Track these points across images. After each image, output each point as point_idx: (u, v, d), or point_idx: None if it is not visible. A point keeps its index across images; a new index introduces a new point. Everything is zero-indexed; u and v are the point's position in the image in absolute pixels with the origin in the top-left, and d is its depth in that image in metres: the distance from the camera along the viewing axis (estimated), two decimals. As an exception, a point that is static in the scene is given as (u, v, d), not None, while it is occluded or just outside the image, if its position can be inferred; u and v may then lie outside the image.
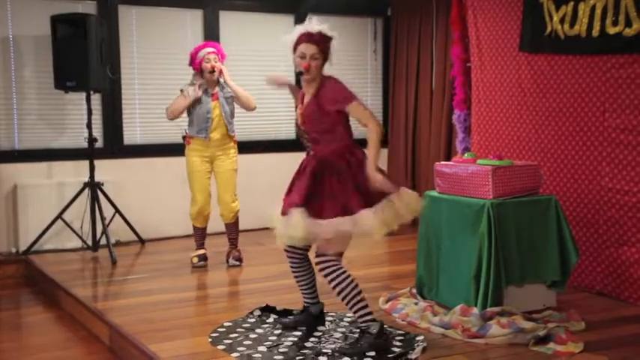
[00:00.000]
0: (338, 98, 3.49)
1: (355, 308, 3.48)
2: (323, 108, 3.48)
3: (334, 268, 3.45)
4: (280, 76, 3.92)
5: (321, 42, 3.51)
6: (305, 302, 3.86)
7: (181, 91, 5.26)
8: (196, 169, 5.28)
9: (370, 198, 3.42)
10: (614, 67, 4.33)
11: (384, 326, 3.56)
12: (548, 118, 4.77)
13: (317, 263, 3.49)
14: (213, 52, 5.20)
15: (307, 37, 3.52)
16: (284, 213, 3.50)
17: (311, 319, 3.84)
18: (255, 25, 6.81)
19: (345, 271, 3.47)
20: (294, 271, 3.77)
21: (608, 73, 4.37)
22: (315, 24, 3.57)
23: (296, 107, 3.68)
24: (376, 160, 3.44)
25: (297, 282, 3.81)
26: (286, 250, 3.71)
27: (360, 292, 3.49)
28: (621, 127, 4.33)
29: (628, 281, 4.31)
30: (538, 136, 4.85)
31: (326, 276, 3.48)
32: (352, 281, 3.48)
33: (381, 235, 3.39)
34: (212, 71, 5.16)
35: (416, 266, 4.37)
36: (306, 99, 3.58)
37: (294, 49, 3.56)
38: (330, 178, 3.46)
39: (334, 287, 3.47)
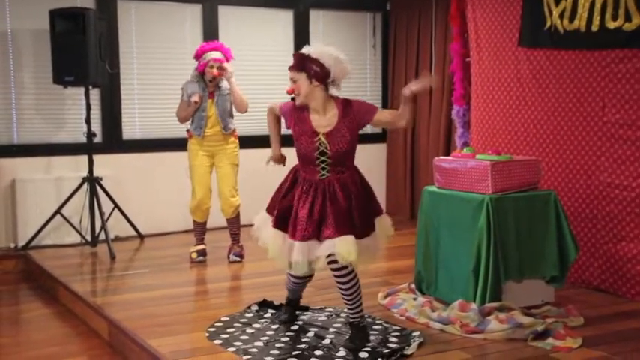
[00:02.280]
0: (367, 111, 3.54)
1: (356, 304, 3.53)
2: (353, 130, 3.50)
3: (352, 273, 3.48)
4: (278, 156, 3.84)
5: (295, 63, 3.52)
6: (292, 300, 3.96)
7: (182, 89, 5.27)
8: (197, 163, 5.28)
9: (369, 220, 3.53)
10: (613, 62, 4.33)
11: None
12: (547, 113, 4.76)
13: (331, 262, 3.43)
14: (219, 60, 5.16)
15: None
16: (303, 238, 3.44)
17: (294, 312, 3.94)
18: (254, 20, 6.79)
19: (356, 273, 3.52)
20: (298, 282, 3.82)
21: (608, 68, 4.36)
22: (310, 46, 3.60)
23: (300, 135, 3.53)
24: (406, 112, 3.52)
25: (297, 286, 3.87)
26: (291, 277, 3.77)
27: (361, 290, 3.56)
28: (620, 123, 4.32)
29: (626, 276, 4.32)
30: (537, 131, 4.84)
31: (341, 277, 3.46)
32: (359, 281, 3.54)
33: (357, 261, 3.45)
34: (213, 79, 5.16)
35: (415, 261, 4.37)
36: (319, 124, 3.51)
37: None
38: (345, 200, 3.46)
39: (345, 285, 3.48)
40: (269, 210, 3.64)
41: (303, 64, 3.49)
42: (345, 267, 3.44)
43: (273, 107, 3.78)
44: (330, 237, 3.37)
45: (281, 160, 3.81)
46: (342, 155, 3.50)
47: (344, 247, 3.34)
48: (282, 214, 3.54)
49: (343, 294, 3.52)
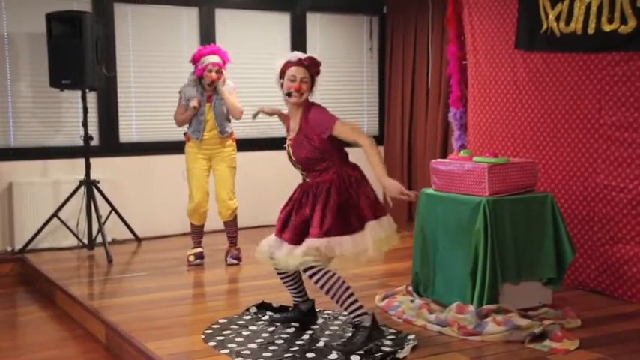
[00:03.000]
0: (322, 125, 3.54)
1: (346, 304, 3.50)
2: (312, 138, 3.54)
3: (316, 269, 3.48)
4: (270, 106, 3.98)
5: (311, 66, 3.62)
6: (294, 301, 3.92)
7: (180, 93, 5.28)
8: (194, 166, 5.29)
9: (356, 220, 3.54)
10: (609, 65, 4.34)
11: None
12: (544, 116, 4.78)
13: (304, 270, 3.53)
14: (217, 64, 5.17)
15: (297, 61, 3.62)
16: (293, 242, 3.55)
17: (301, 315, 3.89)
18: (250, 23, 6.80)
19: (328, 271, 3.49)
20: (282, 279, 3.84)
21: (604, 71, 4.38)
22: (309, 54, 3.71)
23: (287, 136, 3.72)
24: (383, 170, 3.46)
25: (285, 284, 3.87)
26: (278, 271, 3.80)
27: (348, 288, 3.51)
28: (617, 125, 4.34)
29: (622, 278, 4.33)
30: (534, 134, 4.85)
31: (310, 277, 3.51)
32: (338, 279, 3.50)
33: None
34: (211, 83, 5.16)
35: (412, 264, 4.37)
36: (292, 127, 3.63)
37: (282, 73, 3.63)
38: (310, 206, 3.53)
39: (321, 287, 3.51)
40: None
41: (317, 71, 3.62)
42: (311, 268, 3.46)
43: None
44: (286, 241, 3.56)
45: (269, 110, 3.93)
46: (306, 162, 3.57)
47: (288, 257, 3.51)
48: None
49: (327, 295, 3.53)
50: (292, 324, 3.86)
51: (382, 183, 3.46)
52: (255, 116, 3.91)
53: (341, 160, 3.60)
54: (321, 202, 3.50)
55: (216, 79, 5.16)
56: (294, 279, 3.81)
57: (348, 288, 3.51)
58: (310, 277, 3.51)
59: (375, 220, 3.56)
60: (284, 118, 3.86)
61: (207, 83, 5.19)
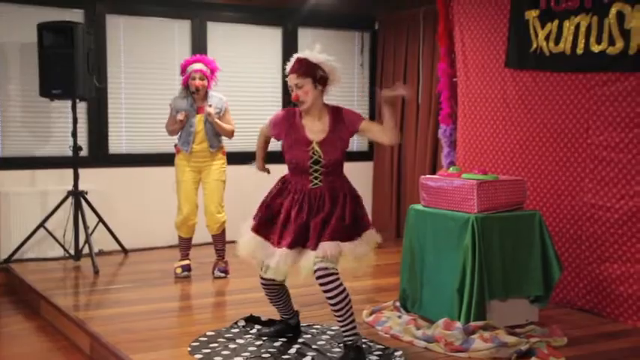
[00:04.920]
0: (353, 119, 3.54)
1: (347, 321, 3.45)
2: (345, 138, 3.52)
3: (337, 280, 3.41)
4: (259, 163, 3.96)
5: (299, 68, 3.50)
6: (282, 317, 3.90)
7: (170, 106, 5.29)
8: (183, 178, 5.27)
9: (356, 229, 3.50)
10: (597, 85, 4.38)
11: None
12: (533, 134, 4.81)
13: (317, 270, 3.39)
14: (200, 71, 5.18)
15: (289, 69, 3.56)
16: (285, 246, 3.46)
17: (289, 329, 3.87)
18: (242, 37, 6.82)
19: (343, 285, 3.45)
20: (270, 299, 3.78)
21: (592, 91, 4.42)
22: (304, 52, 3.59)
23: (292, 145, 3.56)
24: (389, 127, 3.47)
25: (273, 304, 3.82)
26: (263, 281, 3.68)
27: (352, 306, 3.47)
28: (604, 144, 4.37)
29: (610, 297, 4.34)
30: (523, 151, 4.88)
31: (325, 285, 3.39)
32: (348, 294, 3.47)
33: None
34: (196, 90, 5.16)
35: (400, 279, 4.37)
36: (315, 129, 3.54)
37: None
38: (334, 208, 3.48)
39: (333, 297, 3.41)
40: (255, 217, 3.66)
41: (309, 69, 3.48)
42: (329, 276, 3.37)
43: (263, 128, 3.83)
44: (313, 248, 3.40)
45: (264, 169, 3.91)
46: (335, 164, 3.52)
47: (313, 262, 3.38)
48: (264, 221, 3.56)
49: (332, 309, 3.45)
50: (280, 338, 3.84)
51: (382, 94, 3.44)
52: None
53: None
54: (343, 206, 3.47)
55: (199, 86, 5.16)
56: (284, 300, 3.78)
57: (352, 306, 3.47)
58: (326, 284, 3.38)
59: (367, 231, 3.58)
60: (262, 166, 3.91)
61: (191, 91, 5.19)
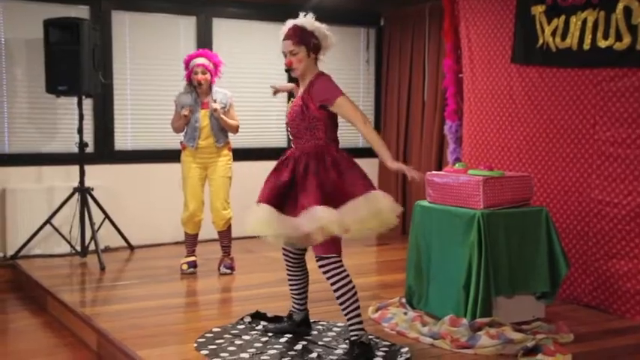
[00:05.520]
0: (324, 94, 3.48)
1: (352, 315, 3.45)
2: (308, 105, 3.49)
3: (337, 269, 3.43)
4: (282, 84, 4.03)
5: (295, 35, 3.52)
6: (292, 308, 3.87)
7: (175, 102, 5.29)
8: (189, 175, 5.27)
9: (336, 198, 3.38)
10: (604, 80, 4.36)
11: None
12: (539, 130, 4.79)
13: (320, 267, 3.44)
14: (202, 65, 5.18)
15: (284, 35, 3.57)
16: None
17: (295, 326, 3.86)
18: (248, 33, 6.82)
19: (348, 274, 3.46)
20: (288, 272, 3.78)
21: (599, 86, 4.40)
22: (300, 18, 3.60)
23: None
24: (387, 152, 3.41)
25: (290, 283, 3.81)
26: (283, 249, 3.73)
27: (358, 300, 3.47)
28: (611, 140, 4.35)
29: (617, 294, 4.33)
30: (529, 148, 4.87)
31: (329, 278, 3.43)
32: (354, 286, 3.46)
33: (338, 231, 3.33)
34: (199, 84, 5.16)
35: (405, 276, 4.37)
36: (298, 95, 3.61)
37: None
38: (302, 177, 3.44)
39: (336, 289, 3.42)
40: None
41: (304, 36, 3.52)
42: (326, 264, 3.39)
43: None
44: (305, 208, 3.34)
45: (283, 88, 3.99)
46: (297, 129, 3.52)
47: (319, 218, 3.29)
48: (267, 192, 3.51)
49: (337, 299, 3.45)
50: (286, 335, 3.85)
51: (389, 166, 3.43)
52: (275, 94, 4.03)
53: (327, 135, 3.50)
54: (316, 173, 3.42)
55: (202, 80, 5.16)
56: (301, 284, 3.77)
57: (358, 299, 3.47)
58: (330, 277, 3.40)
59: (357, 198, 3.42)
60: (296, 92, 3.80)
61: (194, 85, 5.20)
